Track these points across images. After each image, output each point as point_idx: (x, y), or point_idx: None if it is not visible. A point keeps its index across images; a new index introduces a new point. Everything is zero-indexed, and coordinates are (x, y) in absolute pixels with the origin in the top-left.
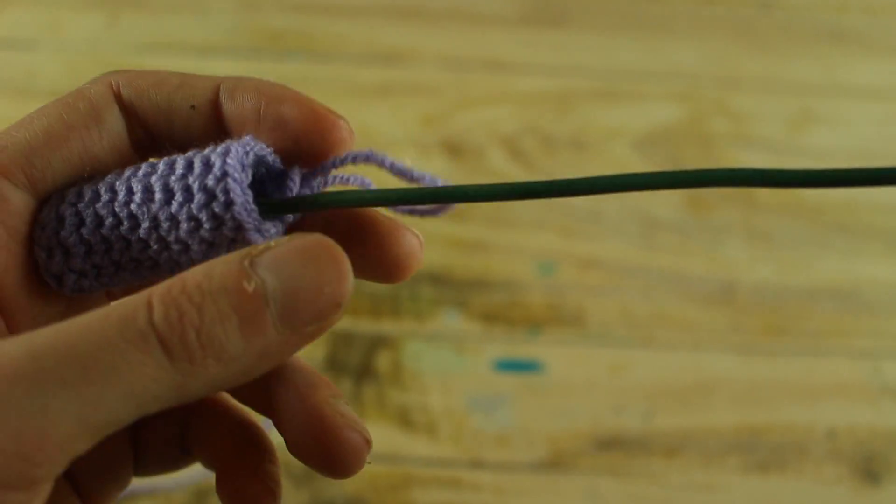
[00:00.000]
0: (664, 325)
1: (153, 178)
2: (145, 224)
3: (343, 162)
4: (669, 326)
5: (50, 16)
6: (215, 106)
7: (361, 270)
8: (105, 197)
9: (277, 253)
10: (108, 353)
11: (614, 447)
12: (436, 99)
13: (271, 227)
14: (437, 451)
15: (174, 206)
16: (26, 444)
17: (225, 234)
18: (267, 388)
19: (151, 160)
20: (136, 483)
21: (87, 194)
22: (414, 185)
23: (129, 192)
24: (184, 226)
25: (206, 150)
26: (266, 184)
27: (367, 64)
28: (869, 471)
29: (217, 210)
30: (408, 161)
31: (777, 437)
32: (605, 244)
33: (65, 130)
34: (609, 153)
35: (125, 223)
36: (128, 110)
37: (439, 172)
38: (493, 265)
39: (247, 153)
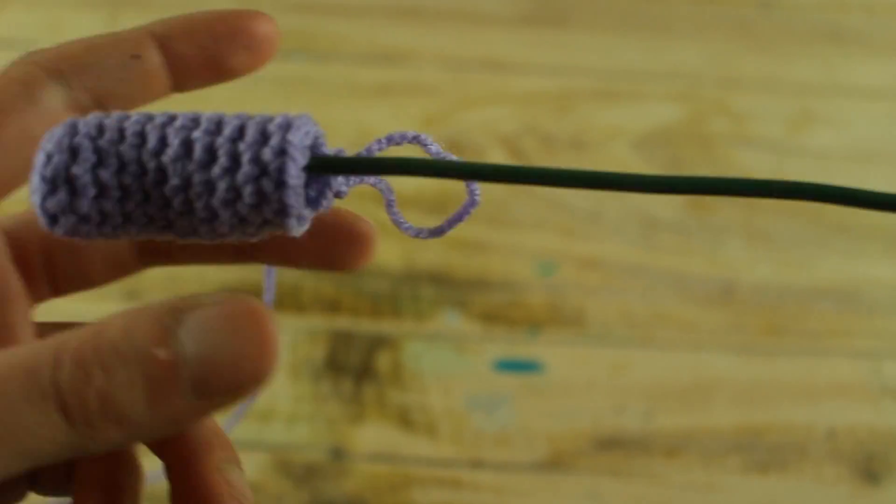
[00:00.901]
0: (664, 325)
1: (194, 133)
2: (174, 181)
3: (388, 143)
4: (669, 326)
5: (50, 16)
6: (160, 49)
7: (318, 260)
8: (132, 140)
9: (204, 316)
10: (6, 413)
11: (614, 447)
12: (436, 99)
13: (308, 213)
14: (437, 451)
15: (215, 170)
16: None
17: (262, 214)
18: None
19: (188, 112)
20: None
21: (110, 132)
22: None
23: (163, 142)
24: (220, 195)
25: (258, 117)
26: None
27: (367, 64)
28: (869, 471)
29: (265, 188)
30: (442, 146)
31: (777, 437)
32: (605, 244)
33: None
34: (609, 153)
35: (150, 175)
36: (68, 81)
37: None
38: (493, 265)
39: (307, 133)
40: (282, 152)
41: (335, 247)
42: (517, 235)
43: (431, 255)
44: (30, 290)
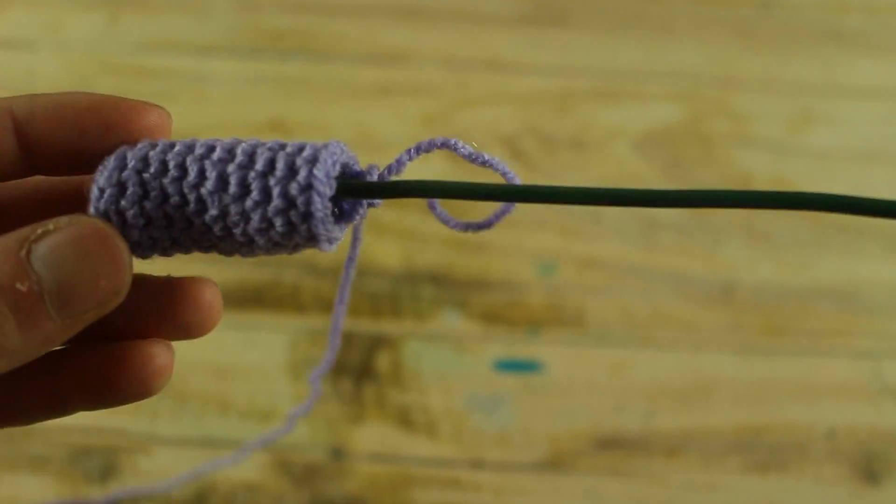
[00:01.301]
0: (664, 325)
1: (229, 167)
2: (213, 212)
3: (417, 153)
4: (669, 326)
5: (50, 16)
6: (15, 132)
7: (167, 331)
8: (173, 173)
9: (54, 243)
10: None
11: (614, 447)
12: (436, 99)
13: (339, 232)
14: (437, 451)
15: (248, 202)
16: None
17: (294, 239)
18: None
19: (225, 141)
20: (136, 484)
21: (154, 164)
22: (480, 179)
23: (201, 174)
24: (254, 224)
25: (290, 149)
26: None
27: (367, 64)
28: (869, 471)
29: (294, 219)
30: (474, 145)
31: (777, 437)
32: (605, 244)
33: None
34: (609, 153)
35: (192, 206)
36: None
37: (439, 173)
38: (493, 265)
39: (334, 163)
40: (308, 187)
41: (185, 318)
42: (517, 235)
43: (431, 255)
44: None
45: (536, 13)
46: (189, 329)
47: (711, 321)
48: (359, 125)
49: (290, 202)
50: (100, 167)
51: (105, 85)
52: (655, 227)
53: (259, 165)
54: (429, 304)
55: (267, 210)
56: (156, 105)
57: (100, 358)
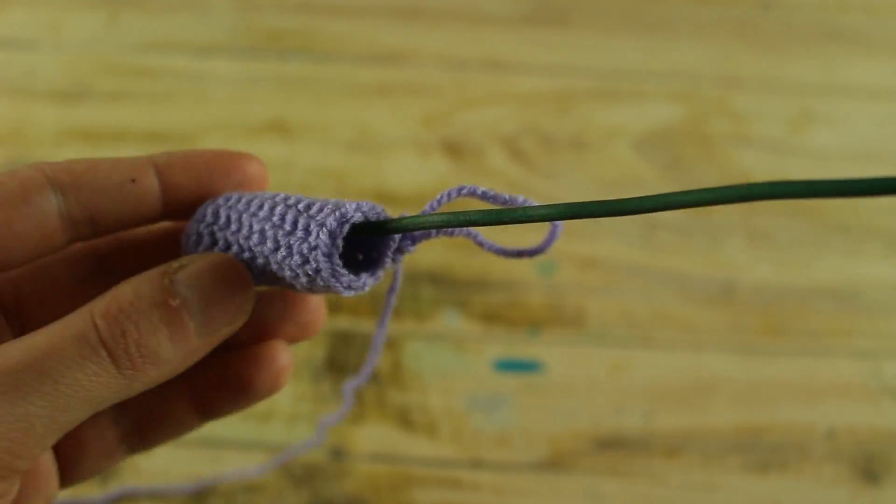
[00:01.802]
0: (664, 325)
1: (266, 226)
2: (260, 260)
3: (444, 201)
4: (669, 326)
5: (50, 16)
6: (157, 176)
7: (284, 333)
8: (233, 227)
9: (192, 271)
10: (71, 369)
11: (614, 447)
12: (436, 99)
13: (367, 280)
14: (437, 451)
15: (279, 256)
16: (13, 442)
17: (319, 287)
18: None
19: (272, 198)
20: (136, 484)
21: (222, 218)
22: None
23: (250, 229)
24: (287, 273)
25: (313, 210)
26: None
27: (367, 64)
28: (869, 471)
29: (310, 273)
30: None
31: (777, 437)
32: (605, 244)
33: None
34: (609, 153)
35: (246, 253)
36: (65, 193)
37: (439, 172)
38: (493, 265)
39: (341, 224)
40: (314, 248)
41: (296, 321)
42: (517, 236)
43: (431, 255)
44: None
45: (536, 13)
46: (304, 329)
47: (711, 321)
48: (359, 125)
49: (304, 259)
50: (189, 220)
51: (105, 85)
52: (655, 227)
53: (287, 226)
54: (429, 304)
55: (292, 263)
56: (256, 158)
57: (230, 365)
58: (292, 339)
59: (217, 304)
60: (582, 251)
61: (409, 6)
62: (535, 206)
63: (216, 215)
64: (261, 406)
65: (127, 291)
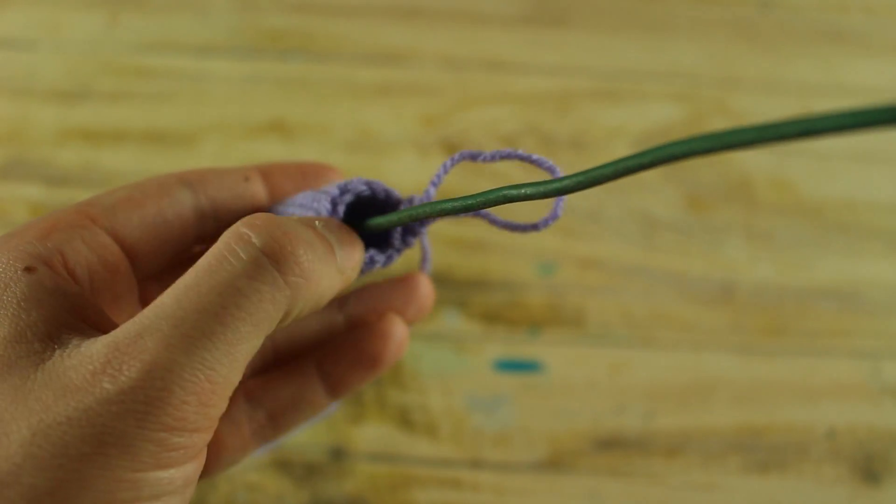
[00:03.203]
0: (664, 325)
1: (293, 209)
2: None
3: (443, 173)
4: (669, 326)
5: (50, 16)
6: (260, 178)
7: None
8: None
9: (328, 221)
10: (239, 298)
11: (614, 447)
12: (436, 99)
13: (375, 255)
14: (437, 451)
15: None
16: (203, 394)
17: None
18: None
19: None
20: None
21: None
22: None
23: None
24: None
25: (326, 186)
26: (387, 212)
27: (367, 64)
28: (869, 471)
29: None
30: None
31: (777, 437)
32: (605, 244)
33: (142, 197)
34: (609, 153)
35: None
36: (195, 189)
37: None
38: (493, 265)
39: (343, 193)
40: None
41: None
42: (517, 235)
43: (431, 255)
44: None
45: (536, 13)
46: (417, 311)
47: (711, 321)
48: (359, 125)
49: None
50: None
51: (105, 85)
52: (655, 227)
53: (307, 203)
54: None
55: None
56: (337, 169)
57: (361, 339)
58: (407, 322)
59: (347, 245)
60: (582, 251)
61: (409, 6)
62: (535, 183)
63: (274, 212)
64: None
65: (268, 216)
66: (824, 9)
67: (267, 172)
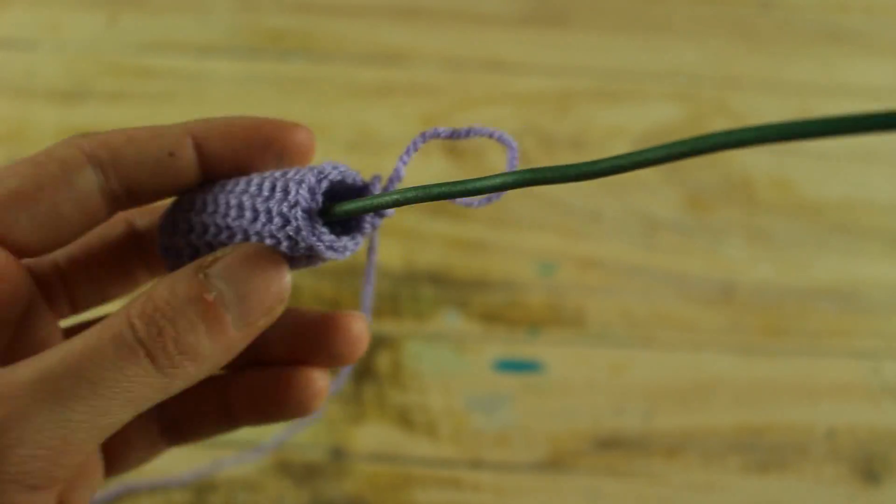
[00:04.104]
0: (664, 325)
1: (244, 197)
2: (239, 236)
3: (409, 155)
4: (669, 326)
5: (50, 16)
6: (195, 148)
7: (321, 359)
8: (209, 208)
9: (225, 263)
10: (109, 371)
11: (614, 447)
12: (436, 99)
13: (348, 242)
14: (437, 451)
15: (258, 224)
16: (53, 450)
17: (301, 251)
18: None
19: (248, 176)
20: (136, 480)
21: (197, 203)
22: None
23: (227, 206)
24: (267, 241)
25: (289, 174)
26: (349, 198)
27: (367, 64)
28: (869, 471)
29: (291, 233)
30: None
31: (777, 437)
32: (605, 244)
33: (34, 190)
34: (609, 153)
35: (223, 233)
36: (104, 168)
37: (439, 172)
38: (493, 265)
39: (319, 181)
40: (294, 205)
41: (337, 349)
42: (517, 235)
43: (431, 255)
44: (52, 308)
45: (536, 13)
46: (340, 358)
47: (711, 321)
48: (359, 125)
49: (285, 219)
50: (161, 211)
51: (105, 85)
52: (655, 227)
53: (265, 192)
54: (429, 304)
55: (272, 229)
56: (304, 126)
57: (266, 381)
58: (329, 366)
59: (253, 295)
60: (582, 251)
61: (409, 6)
62: (496, 175)
63: (191, 201)
64: None
65: (162, 290)
66: (824, 9)
67: (203, 137)
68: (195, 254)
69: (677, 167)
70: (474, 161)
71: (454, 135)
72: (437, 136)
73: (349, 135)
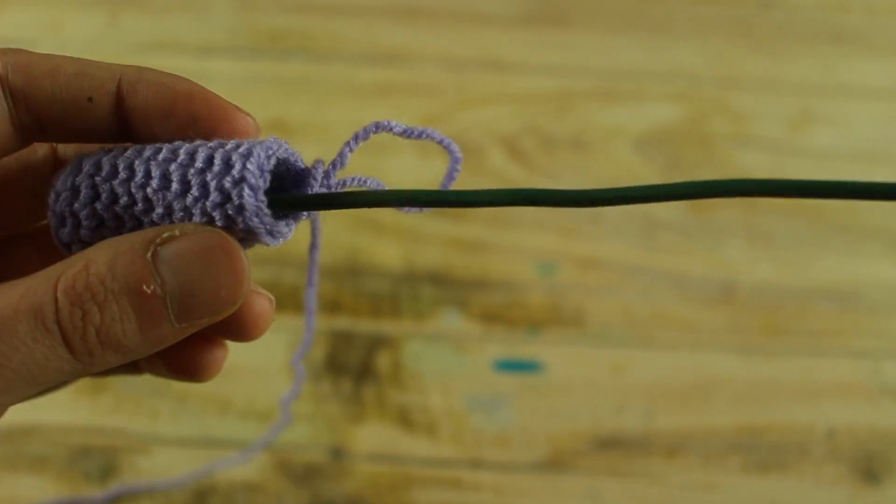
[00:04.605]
0: (664, 325)
1: (172, 167)
2: (159, 210)
3: (357, 141)
4: (669, 326)
5: (50, 16)
6: (115, 98)
7: (219, 332)
8: (123, 175)
9: (180, 248)
10: (19, 351)
11: (614, 447)
12: (436, 99)
13: (283, 227)
14: (437, 451)
15: (189, 199)
16: None
17: (236, 233)
18: None
19: (171, 144)
20: (136, 482)
21: (105, 168)
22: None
23: (147, 175)
24: (196, 219)
25: (229, 146)
26: (287, 180)
27: (367, 64)
28: (869, 471)
29: (230, 212)
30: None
31: (777, 437)
32: (605, 244)
33: None
34: (609, 153)
35: (139, 205)
36: (15, 95)
37: (439, 172)
38: (493, 265)
39: (268, 157)
40: (241, 180)
41: (238, 323)
42: (517, 235)
43: (431, 255)
44: None
45: (536, 13)
46: (238, 333)
47: (711, 321)
48: (358, 125)
49: (225, 196)
50: (56, 173)
51: None
52: (655, 227)
53: (199, 163)
54: (429, 304)
55: (206, 205)
56: (246, 113)
57: (182, 348)
58: (228, 339)
59: (202, 294)
60: (582, 251)
61: (409, 6)
62: (480, 191)
63: (98, 165)
64: (260, 406)
65: (101, 263)
66: (824, 9)
67: (132, 90)
68: (99, 224)
69: (677, 167)
70: (474, 161)
71: (406, 133)
72: (389, 129)
73: (349, 135)
